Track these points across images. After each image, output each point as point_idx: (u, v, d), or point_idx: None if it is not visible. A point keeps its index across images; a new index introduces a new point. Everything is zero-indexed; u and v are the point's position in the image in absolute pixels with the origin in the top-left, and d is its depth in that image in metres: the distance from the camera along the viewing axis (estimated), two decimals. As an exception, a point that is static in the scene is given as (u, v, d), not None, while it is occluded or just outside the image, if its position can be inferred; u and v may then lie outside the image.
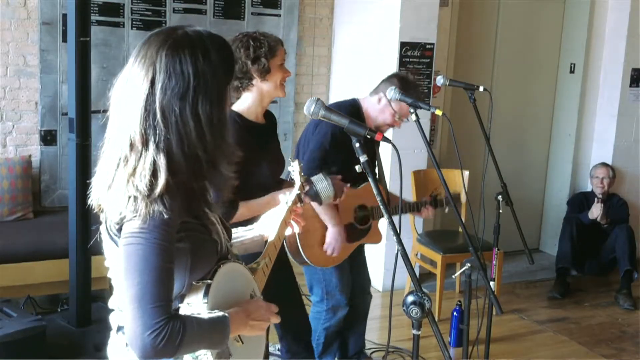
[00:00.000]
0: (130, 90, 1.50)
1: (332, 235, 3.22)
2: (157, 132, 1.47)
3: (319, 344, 3.52)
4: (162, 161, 1.47)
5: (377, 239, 3.53)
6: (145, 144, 1.47)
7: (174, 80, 1.47)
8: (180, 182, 1.50)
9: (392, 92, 3.04)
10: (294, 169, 2.27)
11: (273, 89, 2.74)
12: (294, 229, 2.09)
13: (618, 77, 5.68)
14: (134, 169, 1.46)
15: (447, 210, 3.54)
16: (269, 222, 2.05)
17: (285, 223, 2.04)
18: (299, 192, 2.16)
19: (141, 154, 1.47)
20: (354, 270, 3.51)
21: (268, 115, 2.90)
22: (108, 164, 1.51)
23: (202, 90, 1.50)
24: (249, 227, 2.06)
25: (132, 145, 1.48)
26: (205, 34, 1.56)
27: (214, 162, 1.55)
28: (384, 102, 3.26)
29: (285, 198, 2.10)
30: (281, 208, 2.07)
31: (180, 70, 1.48)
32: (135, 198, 1.44)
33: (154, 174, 1.46)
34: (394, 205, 3.37)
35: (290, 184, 3.06)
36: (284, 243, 3.10)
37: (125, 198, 1.45)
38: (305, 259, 3.22)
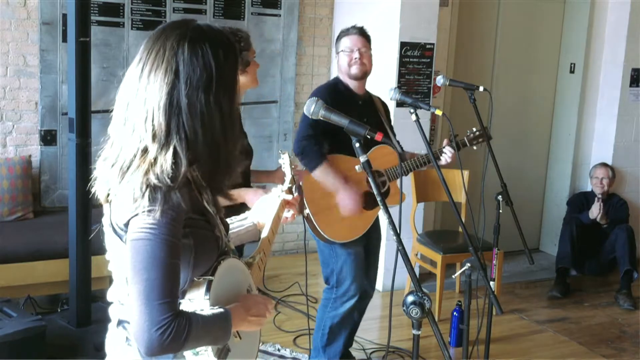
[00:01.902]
0: (152, 83, 1.49)
1: (341, 199, 3.30)
2: (182, 123, 1.49)
3: (323, 334, 3.52)
4: (184, 152, 1.49)
5: (397, 199, 3.53)
6: (168, 134, 1.49)
7: (199, 72, 1.49)
8: (195, 174, 1.53)
9: (392, 93, 3.15)
10: (284, 161, 2.28)
11: (250, 81, 2.82)
12: (289, 217, 2.11)
13: (618, 77, 5.68)
14: (155, 159, 1.47)
15: (474, 147, 3.48)
16: (261, 209, 2.06)
17: (278, 217, 2.05)
18: (290, 185, 2.16)
19: (164, 145, 1.48)
20: (368, 265, 3.53)
21: None
22: (123, 153, 1.51)
23: (222, 84, 1.53)
24: (243, 216, 2.07)
25: (154, 136, 1.48)
26: (215, 28, 1.59)
27: (233, 151, 1.58)
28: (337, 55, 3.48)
29: (277, 191, 2.10)
30: (274, 201, 2.07)
31: (203, 62, 1.50)
32: (156, 187, 1.45)
33: (176, 164, 1.48)
34: (413, 158, 3.44)
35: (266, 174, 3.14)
36: (305, 224, 3.24)
37: (144, 187, 1.45)
38: (327, 237, 3.31)
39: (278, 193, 2.09)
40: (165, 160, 1.47)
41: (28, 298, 3.94)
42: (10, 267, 3.98)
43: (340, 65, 3.43)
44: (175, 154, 1.48)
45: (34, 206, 4.59)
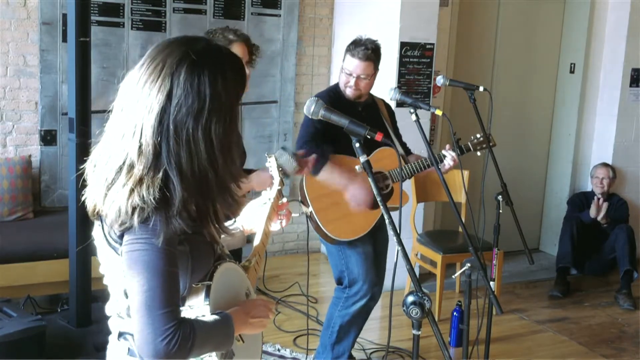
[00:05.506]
0: (145, 96, 1.45)
1: (352, 194, 3.31)
2: (170, 146, 1.44)
3: (332, 332, 3.52)
4: (176, 176, 1.44)
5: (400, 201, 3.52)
6: (157, 155, 1.44)
7: (191, 99, 1.44)
8: (189, 196, 1.47)
9: (392, 93, 3.17)
10: (270, 164, 2.26)
11: None
12: (282, 224, 2.08)
13: (618, 77, 5.68)
14: (141, 179, 1.43)
15: (478, 153, 3.46)
16: (250, 214, 2.04)
17: (270, 220, 2.03)
18: (279, 187, 2.14)
19: (151, 165, 1.44)
20: (376, 264, 3.53)
21: None
22: (109, 164, 1.48)
23: (216, 113, 1.47)
24: (230, 222, 2.04)
25: (140, 153, 1.44)
26: (225, 52, 1.54)
27: (223, 184, 1.53)
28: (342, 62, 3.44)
29: (267, 195, 2.08)
30: (264, 204, 2.05)
31: (198, 89, 1.45)
32: (142, 209, 1.41)
33: (166, 187, 1.44)
34: (417, 161, 3.43)
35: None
36: (309, 225, 3.25)
37: (130, 208, 1.41)
38: (330, 234, 3.32)
39: (268, 196, 2.07)
40: (153, 183, 1.42)
41: (28, 298, 3.94)
42: (10, 267, 3.98)
43: (339, 79, 3.44)
44: (167, 178, 1.44)
45: (34, 206, 4.59)
